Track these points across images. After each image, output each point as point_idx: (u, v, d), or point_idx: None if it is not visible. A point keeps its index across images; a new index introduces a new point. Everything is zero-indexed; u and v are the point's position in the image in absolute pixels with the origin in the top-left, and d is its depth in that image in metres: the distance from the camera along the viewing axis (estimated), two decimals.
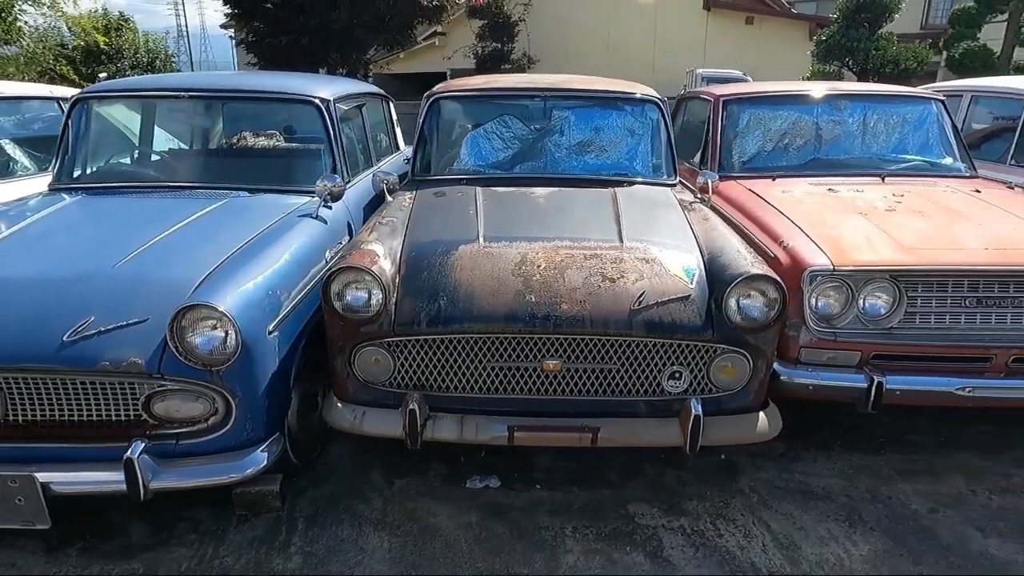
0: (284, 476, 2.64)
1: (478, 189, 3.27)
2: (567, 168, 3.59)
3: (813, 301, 2.68)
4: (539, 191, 3.27)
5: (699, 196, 3.39)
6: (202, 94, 3.52)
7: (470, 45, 15.04)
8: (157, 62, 25.80)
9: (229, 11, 11.83)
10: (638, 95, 3.76)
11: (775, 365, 2.73)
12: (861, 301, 2.68)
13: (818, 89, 4.20)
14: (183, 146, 3.78)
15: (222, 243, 2.54)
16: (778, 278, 2.38)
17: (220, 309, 2.09)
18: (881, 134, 4.07)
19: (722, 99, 4.22)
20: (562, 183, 3.41)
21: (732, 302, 2.38)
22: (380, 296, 2.37)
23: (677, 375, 2.46)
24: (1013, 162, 4.27)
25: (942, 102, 4.14)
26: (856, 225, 2.96)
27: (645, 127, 3.73)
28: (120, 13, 25.38)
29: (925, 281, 2.66)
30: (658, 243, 2.65)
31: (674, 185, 3.59)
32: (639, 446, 2.51)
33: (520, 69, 15.58)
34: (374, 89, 4.73)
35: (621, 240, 2.65)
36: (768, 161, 4.03)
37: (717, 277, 2.46)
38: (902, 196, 3.36)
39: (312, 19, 10.58)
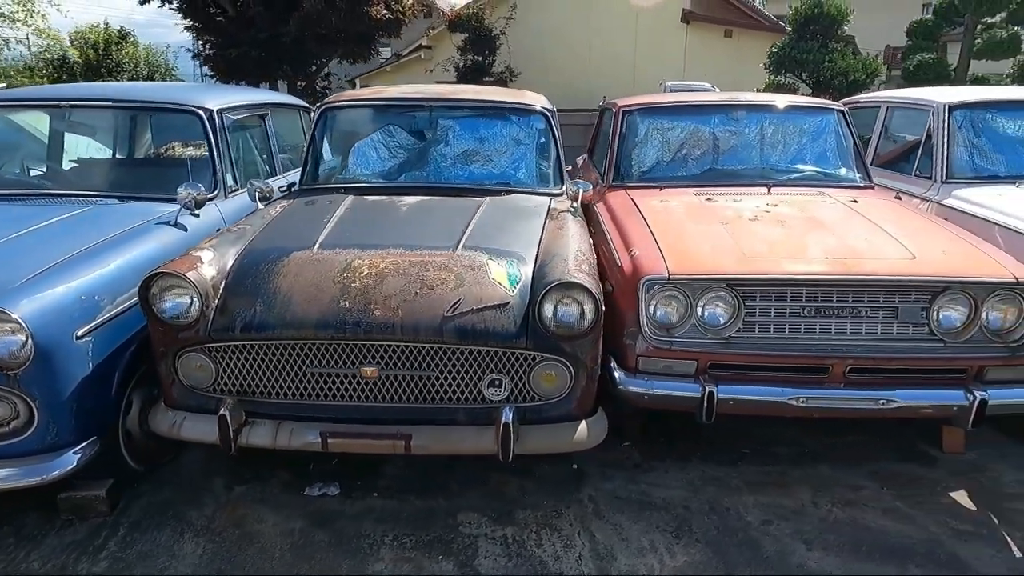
0: (127, 481, 2.67)
1: (350, 198, 3.30)
2: (450, 178, 3.61)
3: (651, 309, 2.67)
4: (409, 200, 3.29)
5: (573, 206, 3.38)
6: (85, 104, 3.57)
7: (451, 58, 15.15)
8: (156, 75, 26.21)
9: (188, 24, 11.99)
10: (524, 105, 3.78)
11: (617, 374, 2.73)
12: (700, 310, 2.67)
13: (718, 100, 4.20)
14: (73, 155, 3.83)
15: (58, 248, 2.56)
16: (590, 286, 2.38)
17: (13, 315, 2.12)
18: (779, 144, 4.06)
19: (623, 109, 4.23)
20: (439, 192, 3.42)
21: (547, 309, 2.37)
22: (197, 302, 2.39)
23: (497, 383, 2.45)
24: (918, 172, 4.23)
25: (842, 112, 4.13)
26: (710, 235, 2.95)
27: (531, 137, 3.75)
28: (121, 28, 25.75)
29: (763, 290, 2.64)
30: (494, 251, 2.65)
31: (559, 195, 3.59)
32: (455, 454, 2.51)
33: (502, 82, 15.64)
34: (288, 100, 4.77)
35: (455, 248, 2.65)
36: (668, 171, 4.01)
37: (537, 284, 2.46)
38: (776, 206, 3.34)
39: (261, 32, 10.71)
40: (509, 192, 3.50)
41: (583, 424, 2.48)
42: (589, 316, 2.38)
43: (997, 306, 2.61)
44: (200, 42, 12.21)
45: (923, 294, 2.61)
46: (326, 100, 3.87)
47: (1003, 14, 11.06)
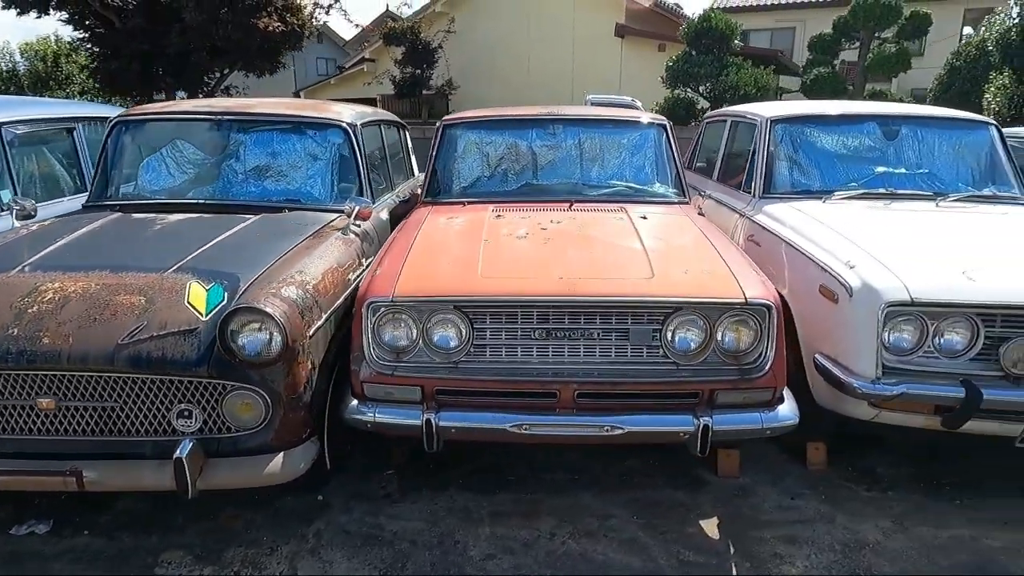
0: None
1: (112, 217, 3.17)
2: (236, 194, 3.47)
3: (377, 332, 2.54)
4: (172, 219, 3.15)
5: (354, 223, 3.26)
6: None
7: (387, 71, 15.09)
8: None
9: (80, 35, 11.77)
10: (320, 119, 3.66)
11: (351, 401, 2.60)
12: (429, 333, 2.55)
13: (537, 114, 4.12)
14: None
15: None
16: (274, 310, 2.25)
17: None
18: (598, 160, 3.98)
19: (443, 123, 4.14)
20: (214, 210, 3.29)
21: (229, 335, 2.24)
22: None
23: (187, 414, 2.31)
24: (744, 188, 4.17)
25: (663, 126, 4.07)
26: (462, 254, 2.84)
27: (327, 152, 3.63)
28: (71, 39, 25.41)
29: (492, 313, 2.53)
30: (206, 273, 2.51)
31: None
32: (136, 490, 2.36)
33: (442, 94, 15.63)
34: (112, 113, 4.61)
35: (167, 270, 2.51)
36: (484, 186, 3.92)
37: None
38: (558, 223, 3.24)
39: (143, 44, 10.55)
40: (293, 209, 3.37)
41: (279, 456, 2.34)
42: (276, 343, 2.25)
43: (731, 327, 2.52)
44: (87, 54, 12.00)
45: (655, 315, 2.52)
46: (119, 113, 3.73)
47: (894, 29, 11.21)
